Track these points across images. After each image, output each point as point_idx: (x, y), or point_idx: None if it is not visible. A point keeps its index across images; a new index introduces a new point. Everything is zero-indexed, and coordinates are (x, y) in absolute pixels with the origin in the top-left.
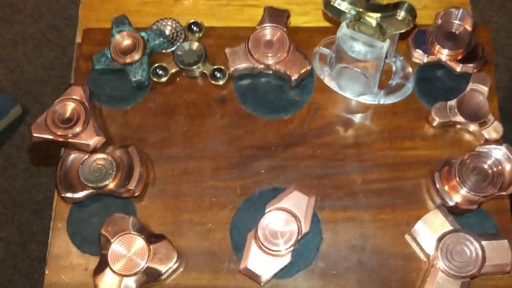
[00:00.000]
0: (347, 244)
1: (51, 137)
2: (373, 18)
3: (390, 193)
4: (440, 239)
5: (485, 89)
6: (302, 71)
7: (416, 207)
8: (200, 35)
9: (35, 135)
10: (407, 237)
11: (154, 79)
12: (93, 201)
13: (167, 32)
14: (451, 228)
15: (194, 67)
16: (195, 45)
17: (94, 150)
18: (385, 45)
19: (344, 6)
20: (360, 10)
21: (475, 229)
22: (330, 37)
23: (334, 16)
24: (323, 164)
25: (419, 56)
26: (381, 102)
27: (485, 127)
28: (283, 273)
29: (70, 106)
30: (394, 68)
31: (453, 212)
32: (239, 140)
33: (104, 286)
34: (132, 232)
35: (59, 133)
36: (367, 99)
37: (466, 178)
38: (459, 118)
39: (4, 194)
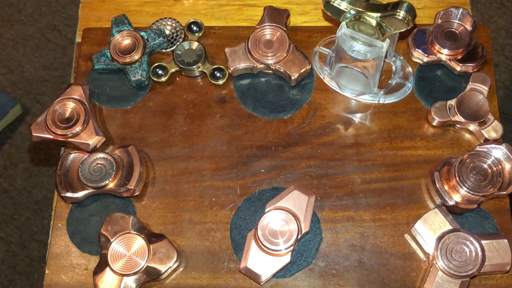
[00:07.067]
0: (347, 243)
1: (51, 136)
2: (373, 17)
3: (389, 193)
4: (439, 238)
5: (484, 88)
6: (302, 70)
7: (416, 207)
8: (200, 34)
9: (35, 134)
10: (407, 237)
11: (154, 79)
12: (93, 201)
13: (167, 32)
14: (450, 227)
15: (194, 66)
16: (195, 44)
17: (94, 150)
18: (385, 45)
19: (343, 6)
20: (360, 9)
21: (474, 229)
22: (330, 37)
23: (333, 15)
24: (323, 164)
25: (419, 56)
26: (381, 102)
27: (485, 127)
28: (283, 272)
29: (70, 106)
30: (394, 67)
31: (453, 212)
32: (239, 140)
33: (104, 286)
34: (132, 232)
35: (59, 133)
36: (367, 99)
37: (465, 177)
38: (459, 118)
39: (4, 194)
